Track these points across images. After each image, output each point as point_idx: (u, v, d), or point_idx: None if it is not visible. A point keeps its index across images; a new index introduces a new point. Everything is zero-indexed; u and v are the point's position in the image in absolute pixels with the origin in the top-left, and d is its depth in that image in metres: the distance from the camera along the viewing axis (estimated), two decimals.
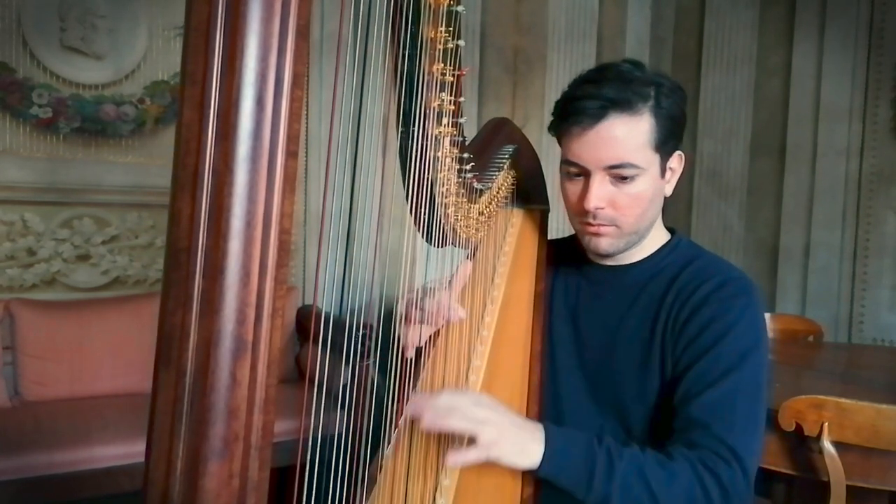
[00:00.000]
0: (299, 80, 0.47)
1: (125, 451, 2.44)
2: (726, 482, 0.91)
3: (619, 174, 1.02)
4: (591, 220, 1.06)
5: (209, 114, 0.44)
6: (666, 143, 1.05)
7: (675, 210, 4.19)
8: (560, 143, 1.09)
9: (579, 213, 1.07)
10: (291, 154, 0.47)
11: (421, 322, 1.05)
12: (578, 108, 1.01)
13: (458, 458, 0.89)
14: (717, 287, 1.05)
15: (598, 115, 1.00)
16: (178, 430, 0.45)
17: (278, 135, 0.46)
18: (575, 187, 1.07)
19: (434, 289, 1.07)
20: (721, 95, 4.07)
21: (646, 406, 1.06)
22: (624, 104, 1.00)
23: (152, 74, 3.13)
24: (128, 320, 2.89)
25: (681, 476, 0.91)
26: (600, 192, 1.03)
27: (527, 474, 0.96)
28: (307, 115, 3.39)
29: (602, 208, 1.04)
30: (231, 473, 0.46)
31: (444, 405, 0.88)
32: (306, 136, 3.38)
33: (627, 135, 1.01)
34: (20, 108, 2.89)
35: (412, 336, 1.06)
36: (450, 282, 1.10)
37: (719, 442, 0.93)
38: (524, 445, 0.90)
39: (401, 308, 1.08)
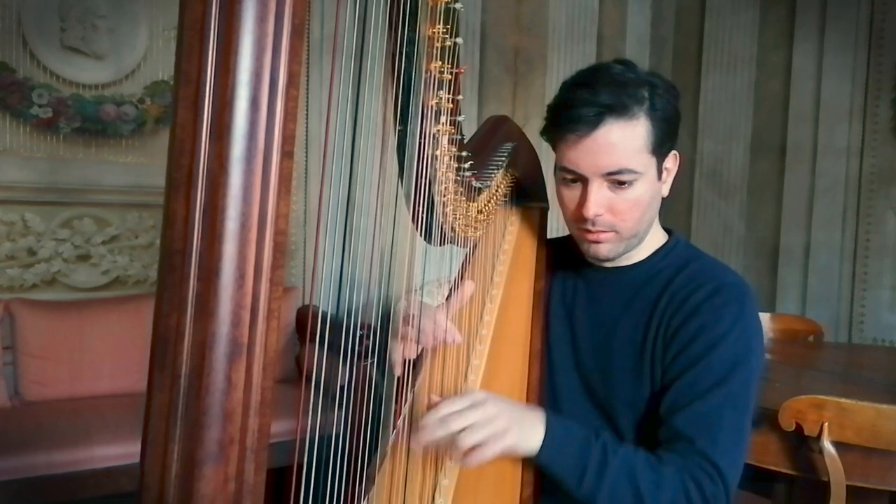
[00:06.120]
0: (295, 80, 0.46)
1: (125, 451, 2.44)
2: (709, 496, 0.93)
3: (618, 180, 1.01)
4: (589, 227, 1.05)
5: (203, 114, 0.44)
6: (662, 146, 1.04)
7: (676, 210, 4.18)
8: (554, 148, 1.07)
9: (578, 219, 1.06)
10: (287, 154, 0.46)
11: (413, 340, 1.03)
12: (574, 115, 0.99)
13: (476, 457, 0.87)
14: (710, 295, 1.04)
15: (595, 122, 0.98)
16: (173, 434, 0.45)
17: (273, 135, 0.46)
18: (572, 193, 1.06)
19: (431, 303, 1.06)
20: (721, 95, 4.07)
21: (637, 412, 1.06)
22: (620, 109, 0.98)
23: (152, 74, 3.13)
24: (128, 320, 2.88)
25: (668, 483, 0.93)
26: (599, 198, 1.02)
27: (526, 474, 0.96)
28: (308, 115, 3.38)
29: (601, 215, 1.03)
30: (227, 477, 0.45)
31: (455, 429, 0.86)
32: (307, 136, 3.38)
33: (624, 140, 0.99)
34: (20, 108, 2.89)
35: (403, 352, 1.04)
36: (447, 298, 1.09)
37: (703, 457, 0.95)
38: (530, 431, 0.92)
39: (395, 317, 1.07)
